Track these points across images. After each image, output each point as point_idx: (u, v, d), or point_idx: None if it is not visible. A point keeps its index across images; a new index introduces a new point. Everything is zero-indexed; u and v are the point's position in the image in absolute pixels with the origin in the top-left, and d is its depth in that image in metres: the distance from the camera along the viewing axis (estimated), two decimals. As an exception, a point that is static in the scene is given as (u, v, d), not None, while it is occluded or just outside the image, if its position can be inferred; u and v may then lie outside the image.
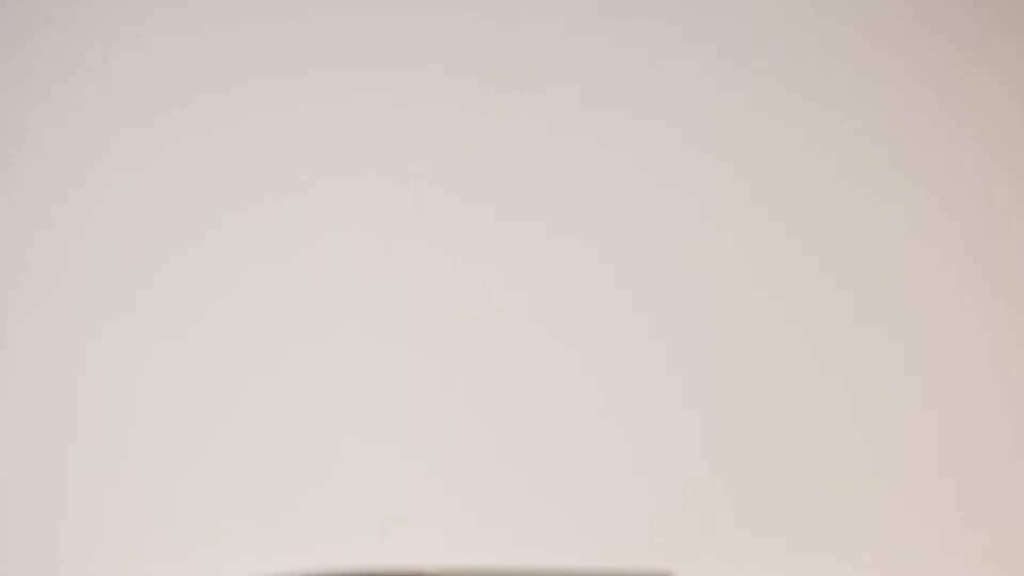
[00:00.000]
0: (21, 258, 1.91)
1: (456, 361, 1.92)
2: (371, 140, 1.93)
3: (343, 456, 1.93)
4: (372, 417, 1.93)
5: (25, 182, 1.92)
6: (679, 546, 1.92)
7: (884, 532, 1.93)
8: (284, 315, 1.92)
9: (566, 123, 1.92)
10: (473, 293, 1.92)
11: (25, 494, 1.90)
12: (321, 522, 1.93)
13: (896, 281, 1.91)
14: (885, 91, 1.93)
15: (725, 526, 1.94)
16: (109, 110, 1.93)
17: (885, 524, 1.93)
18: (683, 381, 1.93)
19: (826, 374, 1.93)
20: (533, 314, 1.92)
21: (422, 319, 1.92)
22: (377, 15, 1.94)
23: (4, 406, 1.89)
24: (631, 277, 1.93)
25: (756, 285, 1.92)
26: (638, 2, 1.93)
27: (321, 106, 1.94)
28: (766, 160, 1.92)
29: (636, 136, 1.92)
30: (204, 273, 1.92)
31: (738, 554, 1.93)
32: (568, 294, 1.93)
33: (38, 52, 1.92)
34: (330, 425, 1.93)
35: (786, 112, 1.92)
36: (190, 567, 1.85)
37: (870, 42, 1.93)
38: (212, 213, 1.92)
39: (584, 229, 1.92)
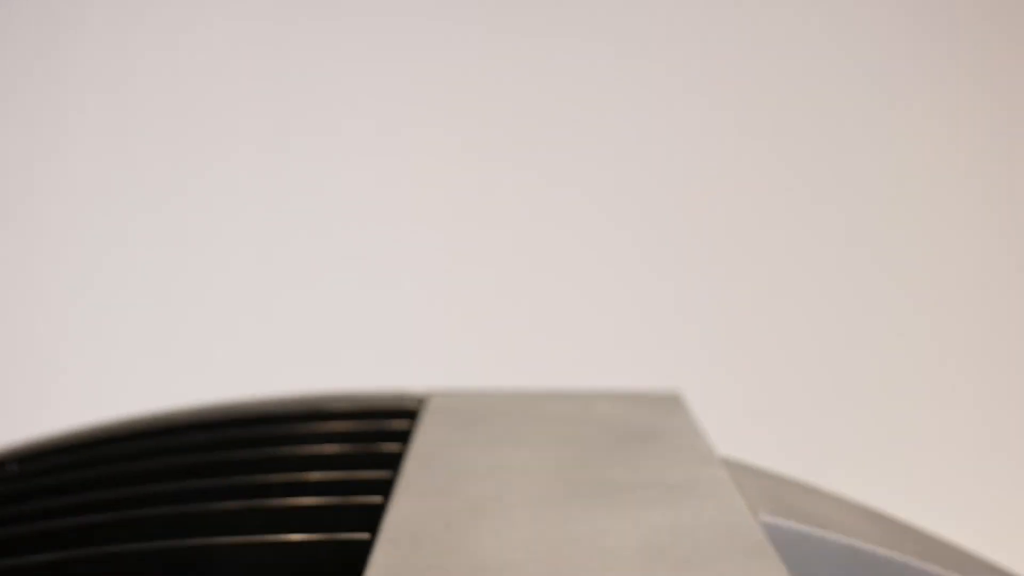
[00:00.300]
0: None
1: (461, 185, 1.87)
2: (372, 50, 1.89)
3: (341, 282, 1.88)
4: (368, 240, 1.88)
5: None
6: (686, 367, 1.89)
7: (884, 352, 1.90)
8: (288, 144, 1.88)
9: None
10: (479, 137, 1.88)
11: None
12: (313, 346, 1.88)
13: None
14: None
15: (732, 347, 1.90)
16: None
17: (885, 345, 1.90)
18: (689, 207, 1.89)
19: (824, 201, 1.90)
20: (539, 148, 1.88)
21: (426, 148, 1.88)
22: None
23: None
24: (638, 116, 1.88)
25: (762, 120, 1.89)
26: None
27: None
28: None
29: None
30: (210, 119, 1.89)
31: (744, 374, 1.90)
32: (571, 124, 1.88)
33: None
34: (333, 252, 1.88)
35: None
36: (192, 388, 1.82)
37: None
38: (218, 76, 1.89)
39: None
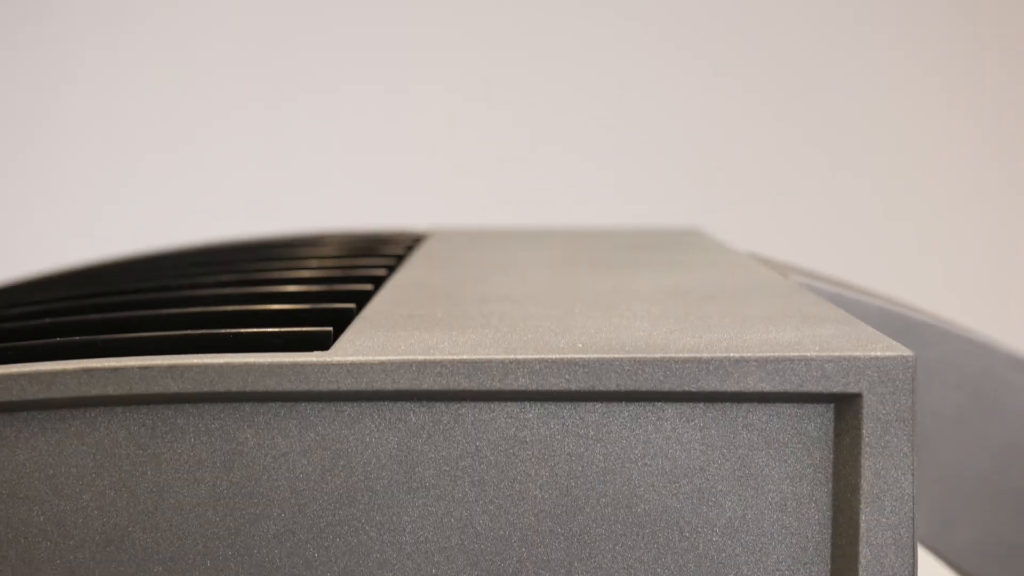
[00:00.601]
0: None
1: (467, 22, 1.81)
2: None
3: (343, 121, 1.81)
4: (372, 79, 1.81)
5: None
6: (705, 203, 1.82)
7: (888, 182, 1.84)
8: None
9: None
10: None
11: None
12: (315, 185, 1.81)
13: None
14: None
15: (747, 183, 1.84)
16: None
17: (889, 173, 1.85)
18: (698, 42, 1.83)
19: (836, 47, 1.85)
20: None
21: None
22: None
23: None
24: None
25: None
26: None
27: None
28: None
29: None
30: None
31: (761, 208, 1.83)
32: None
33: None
34: (334, 90, 1.81)
35: None
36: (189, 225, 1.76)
37: None
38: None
39: None
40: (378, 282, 0.74)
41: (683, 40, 1.85)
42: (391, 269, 0.80)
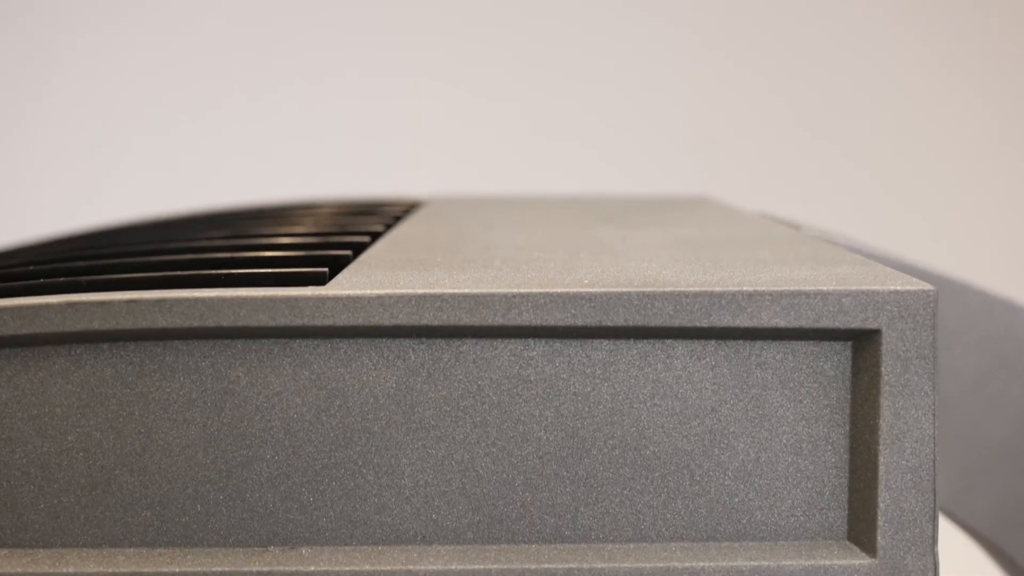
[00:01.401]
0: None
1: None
2: None
3: (345, 88, 1.78)
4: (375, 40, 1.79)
5: None
6: (713, 170, 1.80)
7: (895, 161, 1.83)
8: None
9: None
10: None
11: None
12: (320, 152, 1.78)
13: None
14: None
15: (755, 150, 1.81)
16: None
17: (893, 145, 1.83)
18: (702, 16, 1.81)
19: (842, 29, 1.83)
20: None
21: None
22: None
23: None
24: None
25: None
26: None
27: None
28: None
29: None
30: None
31: (767, 176, 1.81)
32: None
33: None
34: (328, 74, 1.78)
35: None
36: (196, 192, 1.73)
37: None
38: None
39: None
40: (376, 236, 0.72)
41: (686, 15, 1.83)
42: (389, 227, 0.78)
